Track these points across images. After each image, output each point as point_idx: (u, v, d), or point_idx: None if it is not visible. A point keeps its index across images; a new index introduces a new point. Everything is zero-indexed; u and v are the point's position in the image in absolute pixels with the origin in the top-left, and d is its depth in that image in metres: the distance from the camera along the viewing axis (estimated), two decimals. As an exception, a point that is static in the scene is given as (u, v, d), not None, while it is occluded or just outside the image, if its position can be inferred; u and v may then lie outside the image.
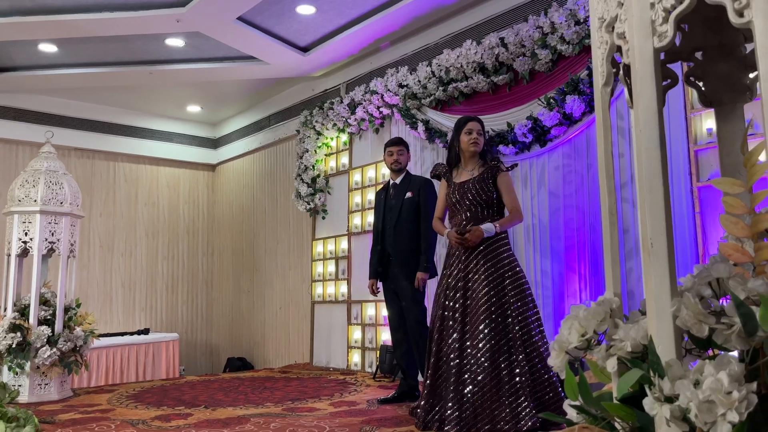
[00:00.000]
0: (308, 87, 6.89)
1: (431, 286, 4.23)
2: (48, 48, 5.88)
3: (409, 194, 4.24)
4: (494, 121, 4.67)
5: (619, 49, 1.11)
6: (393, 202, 4.30)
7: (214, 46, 5.84)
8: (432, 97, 5.22)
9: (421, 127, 5.28)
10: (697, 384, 0.84)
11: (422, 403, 3.35)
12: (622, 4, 1.05)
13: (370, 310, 5.75)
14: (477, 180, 3.47)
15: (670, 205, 0.96)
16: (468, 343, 3.21)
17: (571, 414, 1.03)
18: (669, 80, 1.33)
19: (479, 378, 3.11)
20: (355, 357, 5.85)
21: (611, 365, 1.00)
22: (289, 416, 3.71)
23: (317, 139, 6.56)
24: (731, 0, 0.90)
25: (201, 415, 3.82)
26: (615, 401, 0.96)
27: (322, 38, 5.80)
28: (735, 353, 0.91)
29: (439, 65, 5.13)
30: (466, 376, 3.16)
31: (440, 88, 5.13)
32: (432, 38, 5.46)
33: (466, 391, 3.13)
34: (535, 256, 4.46)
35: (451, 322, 3.32)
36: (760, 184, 0.99)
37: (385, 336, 5.48)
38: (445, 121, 5.14)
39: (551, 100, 4.23)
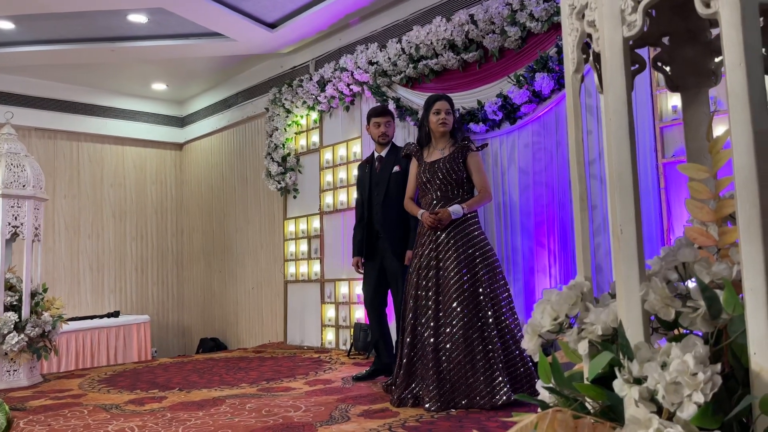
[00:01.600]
0: (277, 64, 6.79)
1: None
2: (4, 25, 5.66)
3: (396, 168, 4.10)
4: (464, 99, 4.68)
5: (589, 36, 1.12)
6: (379, 176, 4.15)
7: (178, 23, 5.69)
8: (402, 75, 5.20)
9: (391, 104, 5.25)
10: (664, 366, 0.88)
11: (397, 380, 3.41)
12: (593, -8, 1.06)
13: (343, 289, 5.77)
14: (447, 159, 3.49)
15: (639, 191, 0.99)
16: (442, 322, 3.27)
17: (544, 395, 1.06)
18: (637, 65, 1.35)
19: (454, 355, 3.19)
20: (329, 335, 5.88)
21: (583, 348, 1.03)
22: (264, 396, 3.73)
23: (287, 117, 6.49)
24: (698, -10, 0.92)
25: (175, 397, 3.82)
26: (586, 382, 0.99)
27: (290, 14, 5.70)
28: (700, 334, 0.94)
29: (409, 42, 5.10)
30: (442, 353, 3.23)
31: (410, 66, 5.11)
32: (401, 14, 5.42)
33: (441, 368, 3.20)
34: (505, 232, 4.52)
35: (424, 302, 3.37)
36: (724, 170, 1.02)
37: (359, 314, 5.51)
38: (416, 99, 5.12)
39: (521, 78, 4.25)
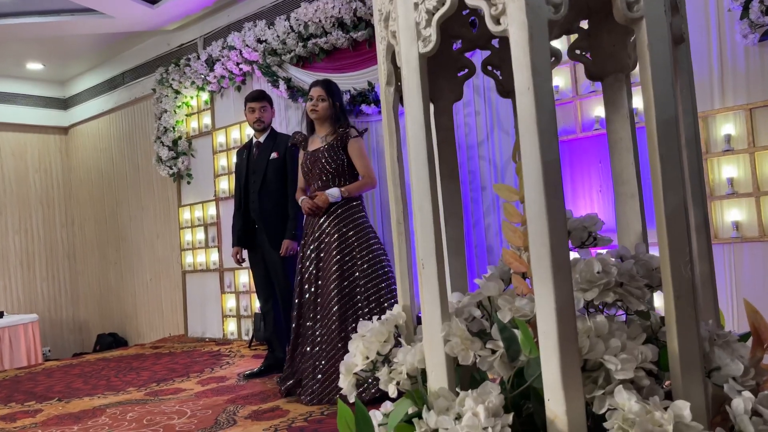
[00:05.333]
0: (163, 41, 6.37)
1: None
2: None
3: (274, 155, 3.94)
4: (355, 80, 4.56)
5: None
6: (257, 164, 3.98)
7: (45, -2, 5.21)
8: (292, 54, 4.99)
9: (283, 85, 5.05)
10: (458, 418, 0.81)
11: (284, 368, 3.43)
12: (393, 1, 0.96)
13: (243, 278, 5.59)
14: (326, 148, 3.40)
15: (440, 224, 0.91)
16: (320, 315, 3.25)
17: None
18: (466, 70, 1.27)
19: (328, 348, 3.19)
20: (231, 326, 5.70)
21: (392, 390, 0.96)
22: (150, 402, 3.54)
23: (176, 98, 6.13)
24: (488, 5, 0.84)
25: (52, 409, 3.56)
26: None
27: (170, -11, 5.34)
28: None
29: (297, 19, 4.89)
30: (318, 347, 3.22)
31: (300, 44, 4.91)
32: (289, -10, 5.19)
33: (318, 362, 3.20)
34: (401, 215, 4.47)
35: (308, 296, 3.31)
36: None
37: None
38: (308, 79, 4.93)
39: (409, 58, 4.16)
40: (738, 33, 3.02)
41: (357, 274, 3.22)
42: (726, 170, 3.17)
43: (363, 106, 4.49)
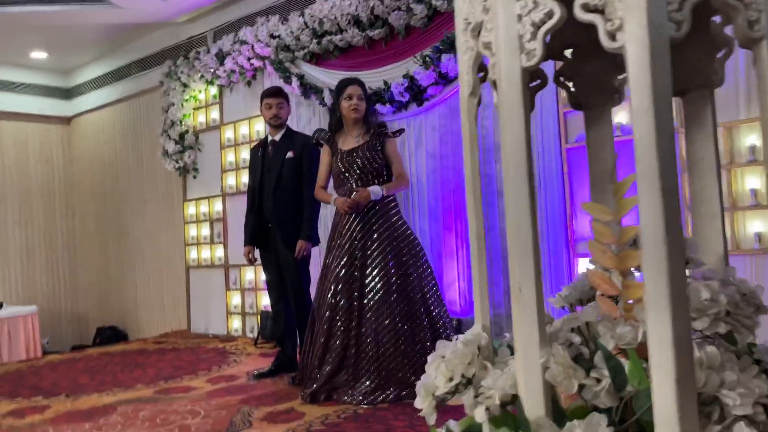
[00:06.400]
0: (172, 33, 6.30)
1: (315, 255, 4.10)
2: None
3: (290, 154, 3.86)
4: (371, 78, 4.50)
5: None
6: (272, 162, 3.90)
7: (55, -13, 5.13)
8: (306, 50, 4.94)
9: (295, 81, 5.00)
10: (564, 450, 0.78)
11: (310, 373, 3.32)
12: (488, 11, 0.92)
13: (249, 275, 5.54)
14: (366, 148, 3.36)
15: (539, 243, 0.88)
16: (368, 316, 3.19)
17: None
18: (539, 80, 1.24)
19: (383, 350, 3.14)
20: (235, 323, 5.65)
21: (480, 415, 0.92)
22: (161, 400, 3.49)
23: (183, 91, 6.06)
24: (603, 21, 0.80)
25: (61, 406, 3.51)
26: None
27: (182, -19, 5.27)
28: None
29: (312, 16, 4.84)
30: (370, 347, 3.16)
31: (314, 41, 4.86)
32: (304, -15, 5.13)
33: (376, 362, 3.14)
34: (414, 216, 4.45)
35: (345, 296, 3.24)
36: (629, 218, 0.93)
37: (266, 301, 5.31)
38: (321, 76, 4.90)
39: (427, 59, 4.12)
40: (767, 43, 3.00)
41: (410, 271, 3.24)
42: (750, 181, 3.15)
43: (378, 106, 4.45)
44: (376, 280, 3.22)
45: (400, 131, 3.52)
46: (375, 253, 3.25)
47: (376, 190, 3.28)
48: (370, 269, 3.24)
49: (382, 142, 3.37)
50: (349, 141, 3.43)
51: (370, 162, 3.34)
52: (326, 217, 4.55)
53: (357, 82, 3.46)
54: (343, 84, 3.45)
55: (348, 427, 2.81)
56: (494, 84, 1.07)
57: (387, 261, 3.23)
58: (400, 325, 3.16)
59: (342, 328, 3.24)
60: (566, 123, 3.75)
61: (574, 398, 0.96)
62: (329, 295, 3.30)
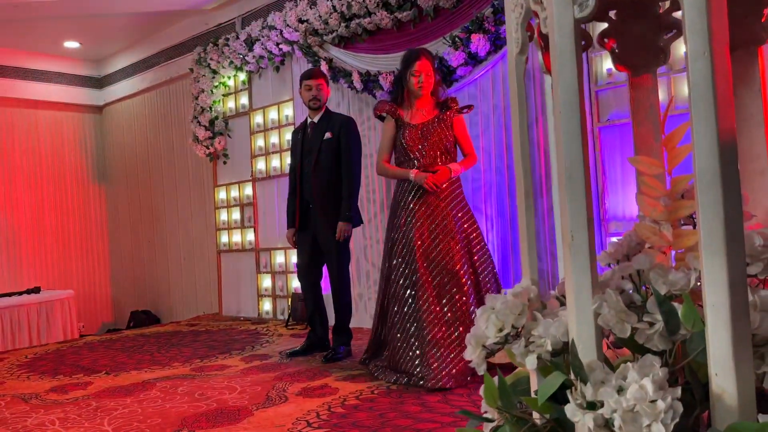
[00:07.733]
0: (201, 21, 6.37)
1: (356, 235, 4.12)
2: None
3: (328, 134, 3.84)
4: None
5: (536, 13, 1.00)
6: (311, 144, 3.89)
7: (88, -25, 5.21)
8: (334, 34, 4.96)
9: (324, 65, 5.03)
10: (620, 391, 0.80)
11: (376, 351, 3.37)
12: (540, -36, 0.93)
13: (279, 258, 5.61)
14: (436, 123, 3.27)
15: (591, 193, 0.89)
16: (449, 296, 3.12)
17: (492, 414, 0.98)
18: (583, 41, 1.24)
19: (463, 330, 3.06)
20: (266, 305, 5.74)
21: (531, 363, 0.94)
22: (198, 377, 3.58)
23: (213, 78, 6.14)
24: (660, -33, 0.81)
25: (102, 382, 3.61)
26: (536, 402, 0.91)
27: (211, -33, 5.32)
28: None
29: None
30: (452, 329, 3.08)
31: (342, 24, 4.88)
32: (332, -31, 5.13)
33: (452, 346, 3.04)
34: (443, 198, 4.45)
35: (420, 275, 3.13)
36: (680, 168, 0.94)
37: (296, 283, 5.38)
38: (350, 60, 4.92)
39: (456, 39, 4.11)
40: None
41: (481, 253, 3.23)
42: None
43: (407, 88, 4.45)
44: (458, 259, 3.14)
45: (469, 107, 3.37)
46: (457, 232, 3.17)
47: (455, 168, 3.23)
48: (444, 253, 3.14)
49: (452, 118, 3.28)
50: (418, 115, 3.30)
51: (440, 138, 3.24)
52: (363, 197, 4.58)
53: (425, 54, 3.25)
54: (412, 58, 3.24)
55: (382, 402, 2.85)
56: (541, 43, 1.08)
57: (467, 240, 3.19)
58: (473, 308, 3.08)
59: (413, 307, 3.12)
60: (598, 101, 3.72)
61: (614, 358, 0.98)
62: (395, 273, 3.20)
